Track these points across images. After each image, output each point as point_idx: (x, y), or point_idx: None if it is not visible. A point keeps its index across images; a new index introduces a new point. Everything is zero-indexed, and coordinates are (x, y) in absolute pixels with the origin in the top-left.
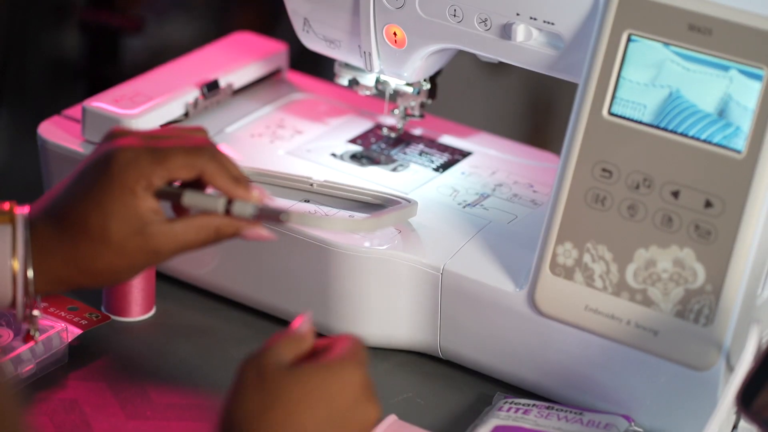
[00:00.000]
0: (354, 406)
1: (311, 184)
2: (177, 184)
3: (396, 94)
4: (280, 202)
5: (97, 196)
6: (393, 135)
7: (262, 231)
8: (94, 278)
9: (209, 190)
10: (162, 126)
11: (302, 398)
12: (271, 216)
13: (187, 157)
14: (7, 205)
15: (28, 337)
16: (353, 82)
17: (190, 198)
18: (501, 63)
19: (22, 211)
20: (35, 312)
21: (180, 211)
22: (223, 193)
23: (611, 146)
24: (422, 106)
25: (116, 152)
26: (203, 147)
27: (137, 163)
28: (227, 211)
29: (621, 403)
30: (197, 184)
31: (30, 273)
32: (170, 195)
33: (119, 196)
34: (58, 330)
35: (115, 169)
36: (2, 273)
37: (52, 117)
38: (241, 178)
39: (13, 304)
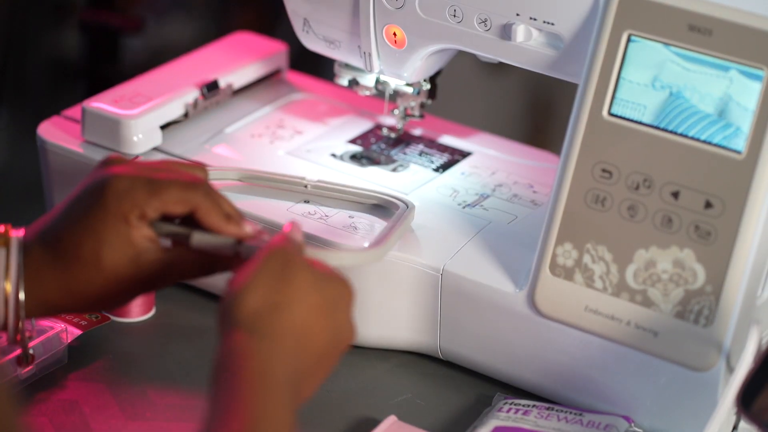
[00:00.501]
0: (346, 333)
1: (305, 185)
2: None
3: (396, 95)
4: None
5: (90, 223)
6: (393, 135)
7: None
8: (86, 304)
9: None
10: (161, 127)
11: (318, 303)
12: None
13: (182, 192)
14: (2, 228)
15: (20, 361)
16: (353, 83)
17: (199, 239)
18: (501, 63)
19: (17, 234)
20: (27, 336)
21: (179, 244)
22: (213, 229)
23: (611, 147)
24: (422, 106)
25: (111, 180)
26: (198, 183)
27: (132, 192)
28: (237, 253)
29: (621, 404)
30: (187, 221)
31: (21, 296)
32: (177, 235)
33: (112, 224)
34: (58, 331)
35: (109, 196)
36: None
37: (52, 117)
38: (234, 216)
39: (5, 326)
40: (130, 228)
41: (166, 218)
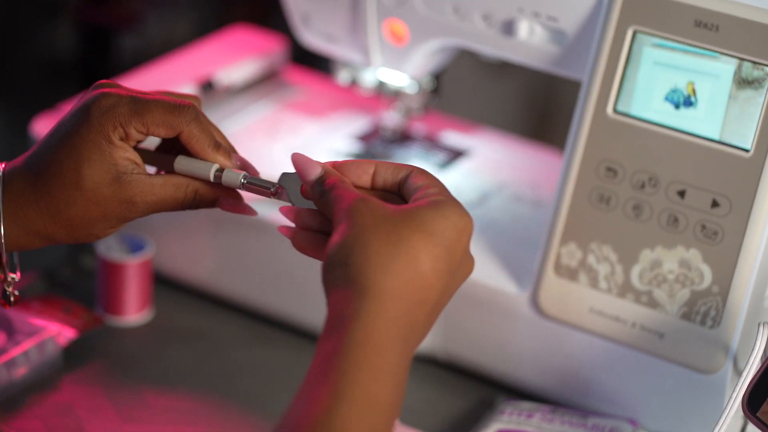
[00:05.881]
0: (464, 255)
1: None
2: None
3: (397, 92)
4: (270, 176)
5: (73, 141)
6: (394, 133)
7: (242, 204)
8: (68, 228)
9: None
10: None
11: (424, 242)
12: (261, 189)
13: (166, 114)
14: None
15: (3, 302)
16: (354, 81)
17: (181, 162)
18: (503, 64)
19: None
20: (11, 276)
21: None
22: (200, 156)
23: (616, 145)
24: (424, 105)
25: (97, 98)
26: (186, 107)
27: (115, 110)
28: (218, 180)
29: (626, 407)
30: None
31: (1, 229)
32: (162, 161)
33: (95, 141)
34: (52, 335)
35: (94, 113)
36: None
37: (45, 112)
38: (224, 145)
39: None
40: (112, 147)
41: (165, 149)
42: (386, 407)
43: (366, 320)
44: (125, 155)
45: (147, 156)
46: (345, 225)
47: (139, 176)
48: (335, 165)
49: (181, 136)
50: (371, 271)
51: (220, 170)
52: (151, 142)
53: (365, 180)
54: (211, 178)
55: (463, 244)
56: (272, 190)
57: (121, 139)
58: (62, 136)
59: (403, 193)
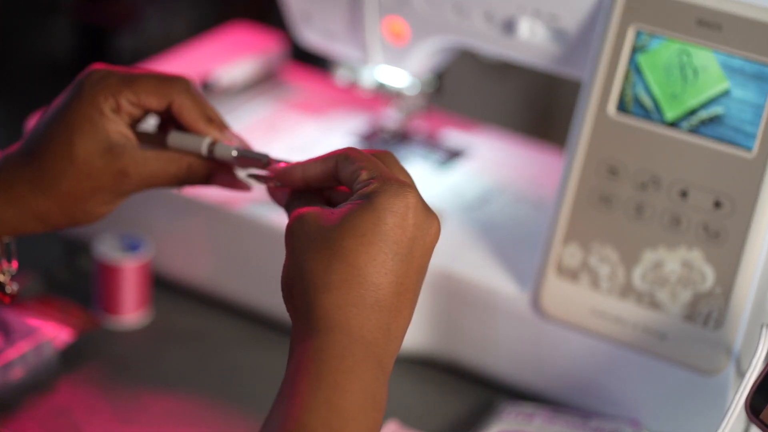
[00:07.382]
0: (417, 229)
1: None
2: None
3: (397, 92)
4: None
5: (65, 115)
6: (394, 133)
7: (236, 179)
8: (61, 204)
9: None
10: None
11: (357, 246)
12: (253, 161)
13: (157, 85)
14: None
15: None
16: (354, 80)
17: (174, 137)
18: (504, 65)
19: None
20: (6, 267)
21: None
22: (192, 129)
23: (617, 144)
24: (424, 104)
25: (89, 73)
26: (176, 78)
27: (106, 81)
28: (211, 153)
29: (628, 408)
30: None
31: None
32: (157, 140)
33: (86, 113)
34: (50, 336)
35: (85, 86)
36: None
37: (41, 110)
38: (215, 118)
39: None
40: (104, 119)
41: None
42: (352, 413)
43: (316, 339)
44: (117, 128)
45: (141, 136)
46: (286, 253)
47: (131, 149)
48: (275, 173)
49: (172, 107)
50: (311, 294)
51: (213, 143)
52: (148, 128)
53: (299, 185)
54: (204, 152)
55: (410, 221)
56: (264, 161)
57: (113, 111)
58: (55, 113)
59: (346, 185)
